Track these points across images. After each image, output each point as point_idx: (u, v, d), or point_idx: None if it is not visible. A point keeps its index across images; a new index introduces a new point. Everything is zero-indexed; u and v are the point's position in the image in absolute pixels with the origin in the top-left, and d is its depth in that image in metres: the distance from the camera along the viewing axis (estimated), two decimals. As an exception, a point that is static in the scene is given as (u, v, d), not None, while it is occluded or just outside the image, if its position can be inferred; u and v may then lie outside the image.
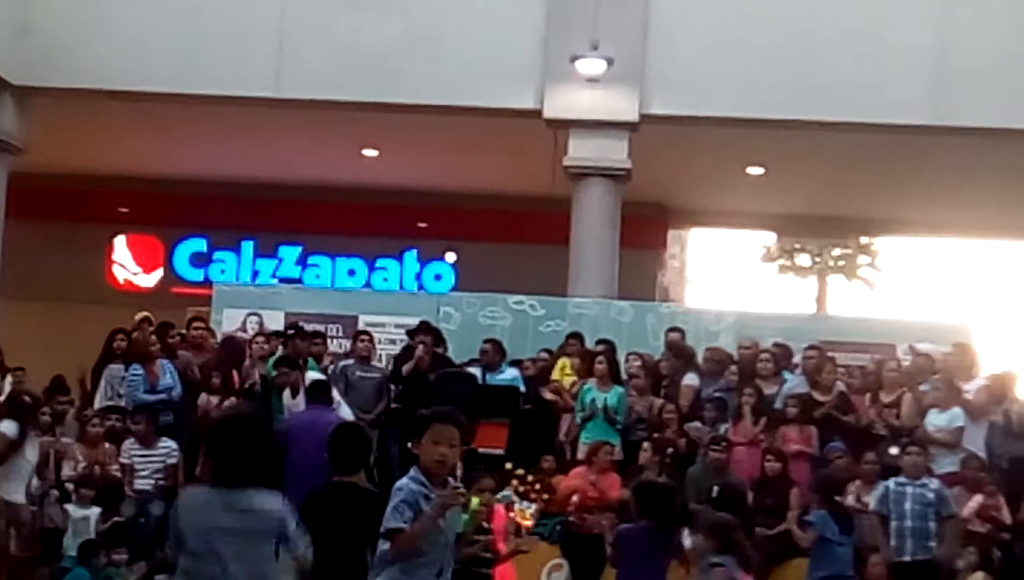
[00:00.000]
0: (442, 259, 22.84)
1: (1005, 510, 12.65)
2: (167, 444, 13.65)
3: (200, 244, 23.09)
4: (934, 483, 12.31)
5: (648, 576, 9.84)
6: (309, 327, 15.39)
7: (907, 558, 12.08)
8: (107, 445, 13.69)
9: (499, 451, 13.56)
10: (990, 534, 12.36)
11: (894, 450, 13.18)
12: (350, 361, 14.83)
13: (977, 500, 12.58)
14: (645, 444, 13.51)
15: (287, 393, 13.43)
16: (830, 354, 14.77)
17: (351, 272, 22.72)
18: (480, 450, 13.41)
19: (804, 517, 12.41)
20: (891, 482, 12.33)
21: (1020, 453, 13.37)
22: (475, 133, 18.12)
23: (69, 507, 13.09)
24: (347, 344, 15.67)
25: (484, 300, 16.88)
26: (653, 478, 12.14)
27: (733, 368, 14.33)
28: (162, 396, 14.09)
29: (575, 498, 12.92)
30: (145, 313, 16.21)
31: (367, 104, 17.31)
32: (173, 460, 13.63)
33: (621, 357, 14.94)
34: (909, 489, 12.21)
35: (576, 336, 15.49)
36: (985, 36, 16.89)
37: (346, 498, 7.74)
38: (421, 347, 14.64)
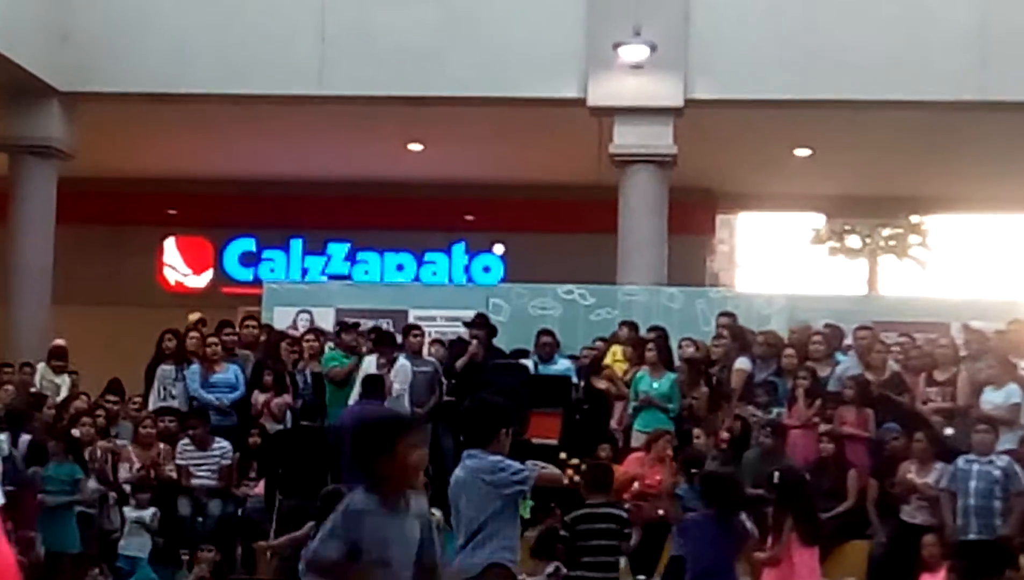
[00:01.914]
0: (490, 251, 22.84)
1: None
2: (221, 445, 13.74)
3: (249, 243, 23.20)
4: (1002, 460, 12.18)
5: (715, 563, 10.03)
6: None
7: (972, 537, 11.99)
8: (162, 446, 13.78)
9: (553, 441, 13.54)
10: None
11: (949, 430, 13.09)
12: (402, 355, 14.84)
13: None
14: (697, 430, 13.45)
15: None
16: (882, 334, 14.68)
17: (400, 267, 22.76)
18: (534, 441, 13.41)
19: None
20: (960, 459, 12.23)
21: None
22: (519, 123, 18.11)
23: (125, 509, 13.17)
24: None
25: (533, 291, 16.86)
26: (716, 468, 12.16)
27: (790, 351, 14.22)
28: (221, 394, 14.23)
29: (636, 486, 12.86)
30: (199, 314, 16.31)
31: (410, 98, 17.34)
32: (228, 461, 13.72)
33: (673, 343, 14.87)
34: (975, 467, 12.12)
35: (628, 323, 15.45)
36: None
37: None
38: (475, 341, 14.64)
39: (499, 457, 7.54)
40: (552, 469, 9.25)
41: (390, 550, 5.97)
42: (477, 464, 7.52)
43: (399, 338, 14.72)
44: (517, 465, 7.58)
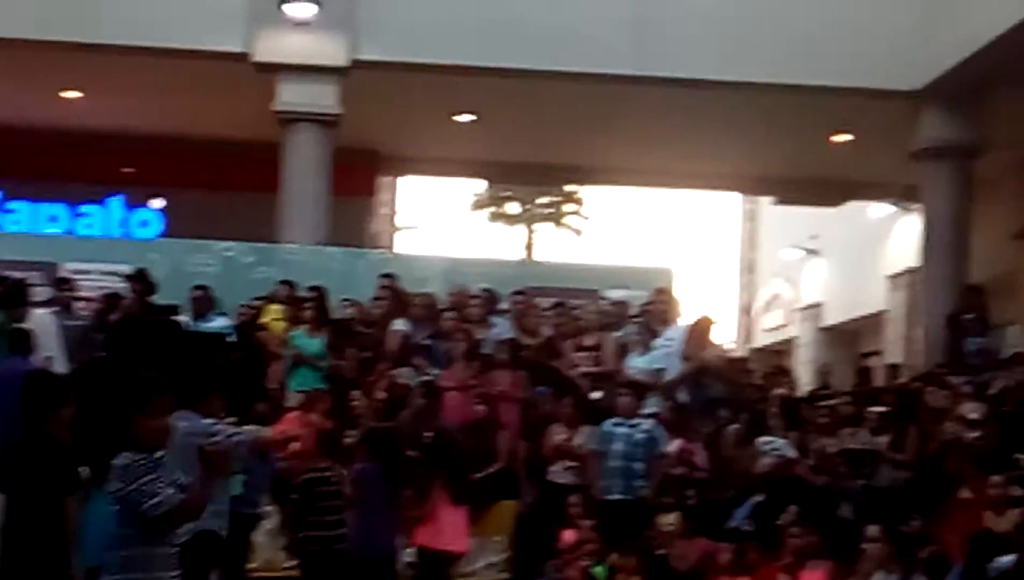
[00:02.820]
0: (149, 206, 22.33)
1: (702, 454, 13.10)
2: None
3: None
4: (647, 423, 12.67)
5: (384, 514, 10.33)
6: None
7: (615, 497, 12.45)
8: None
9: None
10: (686, 476, 12.77)
11: (596, 394, 13.55)
12: (55, 309, 14.38)
13: (677, 443, 12.99)
14: (355, 392, 13.53)
15: None
16: (536, 299, 15.09)
17: (53, 218, 22.00)
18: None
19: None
20: (606, 423, 12.67)
21: (715, 396, 13.89)
22: (183, 76, 17.73)
23: None
24: (49, 292, 15.19)
25: (193, 247, 16.61)
26: (379, 424, 12.31)
27: (448, 314, 14.45)
28: None
29: (296, 445, 12.82)
30: None
31: (65, 44, 16.75)
32: None
33: (332, 303, 14.91)
34: (620, 429, 12.58)
35: (286, 282, 15.41)
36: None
37: (39, 450, 7.49)
38: (131, 295, 14.32)
39: (212, 420, 7.37)
40: (265, 432, 9.15)
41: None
42: (189, 427, 7.30)
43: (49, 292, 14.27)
44: (231, 429, 7.40)
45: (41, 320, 13.32)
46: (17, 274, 14.83)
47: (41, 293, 15.23)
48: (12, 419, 8.26)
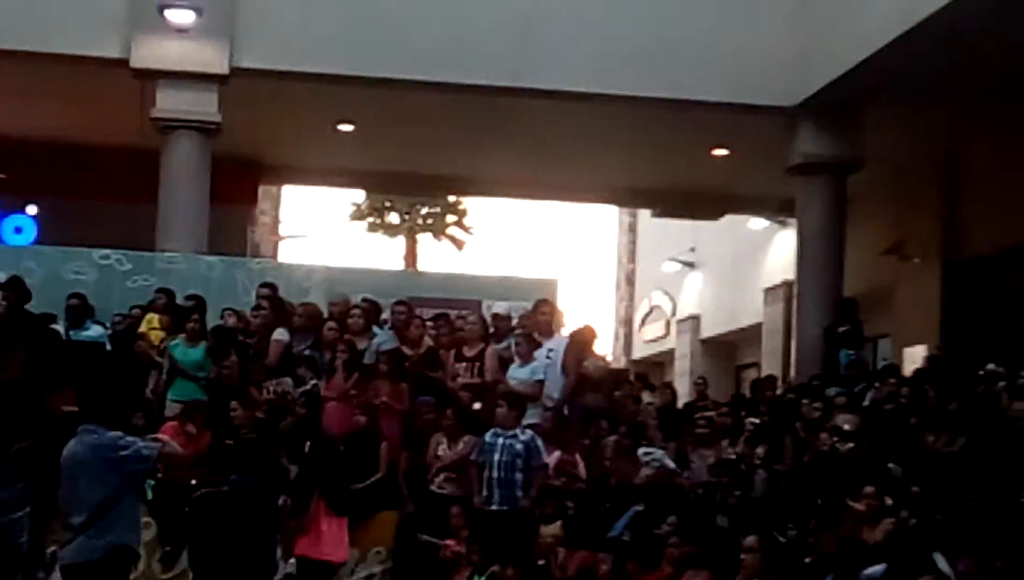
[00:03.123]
0: (23, 212, 21.94)
1: (581, 465, 13.17)
2: None
3: None
4: (525, 434, 12.71)
5: (260, 525, 10.28)
6: None
7: (494, 508, 12.48)
8: None
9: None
10: (566, 487, 12.83)
11: (477, 405, 13.56)
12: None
13: (557, 454, 13.05)
14: (234, 403, 13.40)
15: None
16: (418, 310, 15.07)
17: (-77, 224, 21.57)
18: (64, 409, 13.01)
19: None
20: (488, 434, 12.70)
21: (594, 406, 13.97)
22: (58, 80, 17.48)
23: None
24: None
25: (68, 254, 16.37)
26: (249, 436, 12.22)
27: (330, 324, 14.39)
28: None
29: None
30: None
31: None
32: None
33: (212, 313, 14.78)
34: (500, 440, 12.61)
35: (164, 291, 15.24)
36: (562, 1, 17.53)
37: None
38: (3, 302, 14.05)
39: (120, 433, 7.25)
40: (174, 445, 9.03)
41: None
42: (97, 440, 7.17)
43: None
44: (140, 442, 7.29)
45: None
46: None
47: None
48: None
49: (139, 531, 7.62)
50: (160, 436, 8.33)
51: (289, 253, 33.47)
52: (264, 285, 15.46)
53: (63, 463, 7.26)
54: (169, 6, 16.30)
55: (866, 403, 14.77)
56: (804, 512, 11.77)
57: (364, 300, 15.11)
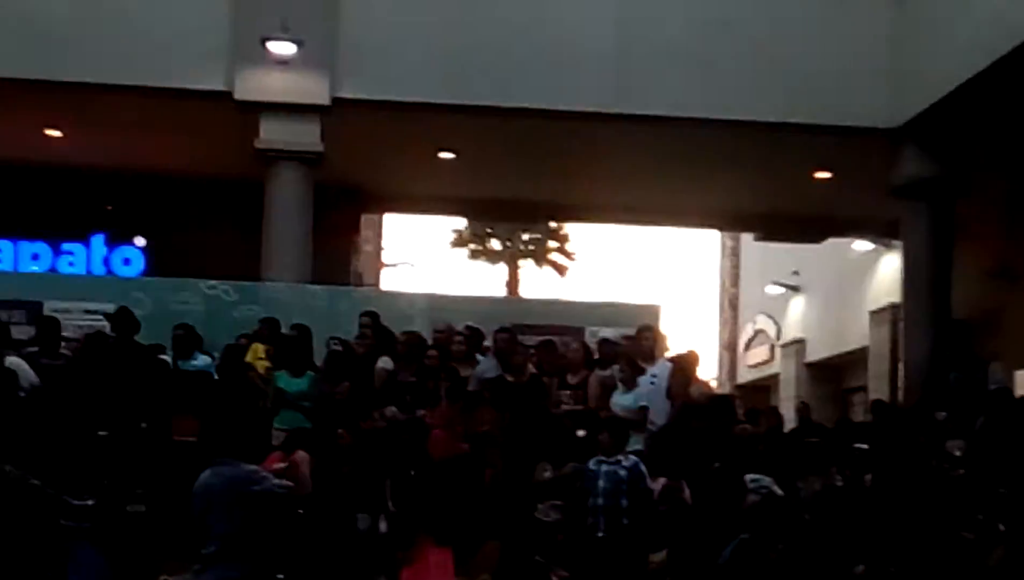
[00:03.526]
0: (132, 243, 22.28)
1: (687, 491, 13.06)
2: None
3: None
4: (629, 460, 12.64)
5: None
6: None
7: (599, 535, 12.42)
8: None
9: (193, 439, 13.33)
10: (672, 513, 12.73)
11: (581, 432, 13.52)
12: (36, 349, 14.33)
13: (661, 481, 12.95)
14: (341, 430, 13.48)
15: None
16: (520, 337, 15.07)
17: (35, 256, 21.93)
18: (176, 439, 13.19)
19: None
20: (591, 461, 12.65)
21: (699, 431, 13.85)
22: (164, 114, 17.76)
23: None
24: (32, 331, 15.14)
25: (176, 285, 16.58)
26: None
27: (432, 352, 14.42)
28: None
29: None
30: None
31: (47, 82, 16.76)
32: None
33: (316, 342, 14.87)
34: (604, 467, 12.55)
35: (269, 321, 15.37)
36: (662, 27, 17.52)
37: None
38: (114, 334, 14.27)
39: (255, 467, 7.29)
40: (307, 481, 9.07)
41: None
42: (232, 473, 7.20)
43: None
44: (273, 478, 7.31)
45: (17, 365, 13.30)
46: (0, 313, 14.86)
47: (24, 332, 15.24)
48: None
49: (268, 565, 7.59)
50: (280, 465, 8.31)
51: (392, 281, 33.71)
52: (365, 314, 15.54)
53: (196, 493, 7.27)
54: (271, 38, 16.49)
55: (977, 427, 14.52)
56: (914, 540, 11.59)
57: (467, 327, 15.14)
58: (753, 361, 33.79)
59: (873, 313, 25.06)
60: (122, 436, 13.33)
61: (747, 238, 30.91)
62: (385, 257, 33.65)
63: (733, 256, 35.61)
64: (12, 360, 13.24)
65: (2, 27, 16.51)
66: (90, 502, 9.18)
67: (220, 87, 16.99)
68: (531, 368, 14.41)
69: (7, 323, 14.57)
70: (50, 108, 18.11)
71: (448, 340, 14.79)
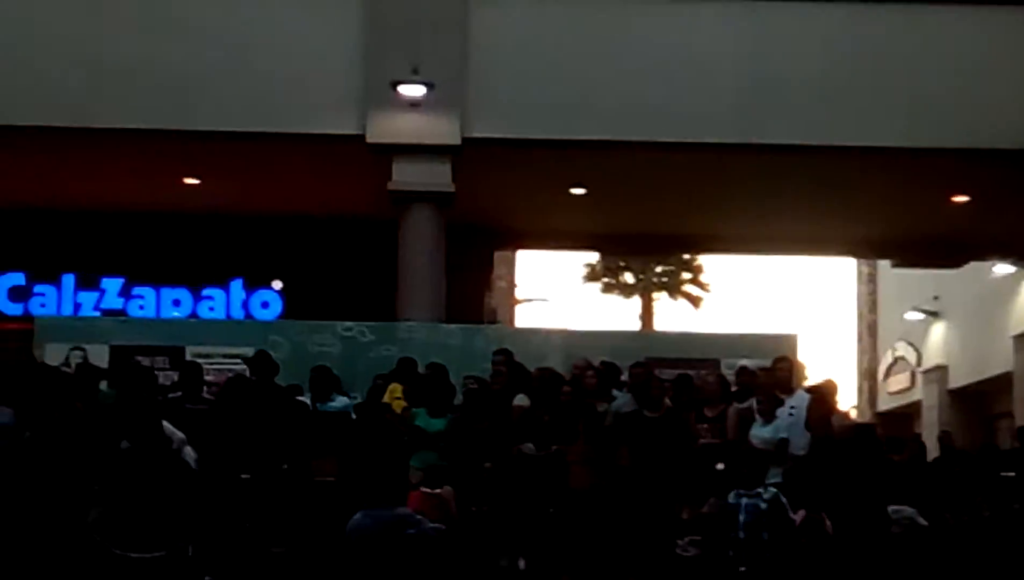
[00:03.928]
0: (269, 287, 22.62)
1: (828, 523, 12.89)
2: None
3: (18, 278, 22.54)
4: (769, 493, 12.52)
5: None
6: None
7: (741, 569, 12.31)
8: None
9: (332, 479, 13.46)
10: (814, 545, 12.57)
11: (719, 465, 13.41)
12: (179, 394, 14.57)
13: (801, 513, 12.80)
14: (485, 465, 13.55)
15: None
16: (656, 371, 14.99)
17: (176, 302, 22.35)
18: (316, 479, 13.34)
19: None
20: (731, 494, 12.56)
21: (841, 463, 13.68)
22: (299, 159, 18.04)
23: None
24: (175, 376, 15.41)
25: (313, 327, 16.77)
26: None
27: (567, 388, 14.41)
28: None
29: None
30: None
31: (185, 132, 17.12)
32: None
33: (452, 380, 14.94)
34: (744, 500, 12.45)
35: (407, 360, 15.47)
36: (791, 56, 17.37)
37: None
38: (253, 378, 14.46)
39: (409, 510, 7.31)
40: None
41: None
42: (386, 516, 7.17)
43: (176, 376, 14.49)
44: (427, 522, 7.31)
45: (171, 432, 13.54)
46: (144, 359, 15.15)
47: (167, 378, 15.53)
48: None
49: None
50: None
51: (526, 317, 33.78)
52: (499, 351, 15.55)
53: (349, 535, 7.23)
54: (402, 82, 16.65)
55: None
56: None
57: (601, 363, 15.11)
58: (894, 388, 33.28)
59: (1017, 337, 24.59)
60: (264, 478, 13.52)
61: (884, 264, 30.51)
62: (519, 293, 33.74)
63: (870, 282, 35.15)
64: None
65: (141, 81, 16.88)
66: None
67: (353, 131, 17.20)
68: (667, 402, 14.33)
69: (152, 369, 14.85)
70: (188, 157, 18.48)
71: (583, 375, 14.77)
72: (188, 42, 17.00)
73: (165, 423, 12.57)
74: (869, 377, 35.34)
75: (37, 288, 22.44)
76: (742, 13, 17.47)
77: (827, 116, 17.19)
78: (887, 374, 33.84)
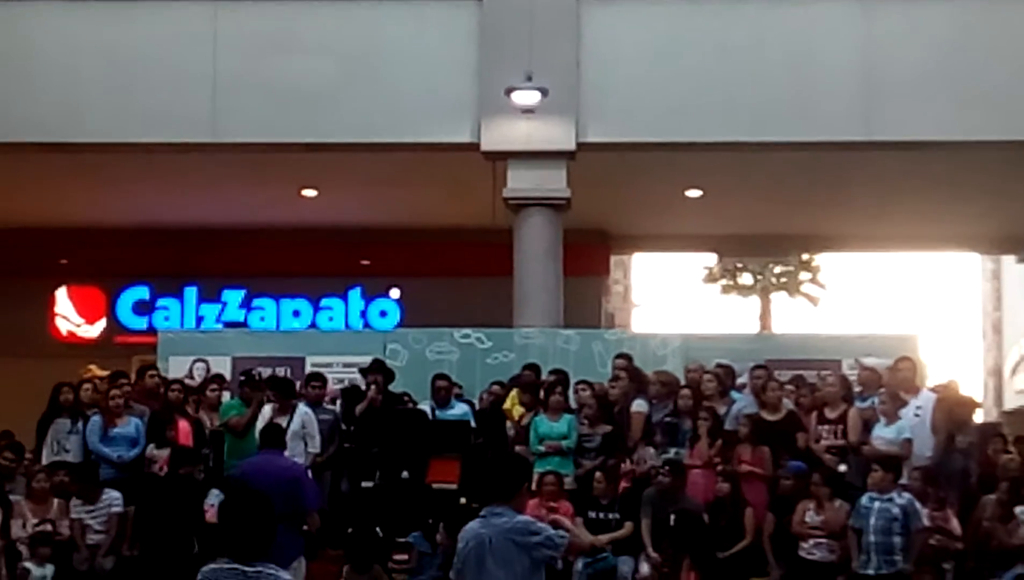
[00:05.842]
0: (387, 296, 22.81)
1: (954, 521, 12.71)
2: (109, 495, 13.49)
3: (143, 292, 22.97)
4: (903, 497, 12.36)
5: None
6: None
7: (871, 572, 12.18)
8: (56, 501, 13.52)
9: (452, 486, 13.54)
10: (941, 545, 12.40)
11: (842, 467, 13.27)
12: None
13: (926, 512, 12.63)
14: (598, 474, 13.54)
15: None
16: (776, 372, 14.88)
17: (296, 313, 22.65)
18: (434, 486, 13.42)
19: None
20: (864, 497, 12.43)
21: (967, 463, 13.47)
22: (413, 168, 18.14)
23: (28, 565, 12.92)
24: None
25: (431, 335, 16.86)
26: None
27: (685, 391, 14.35)
28: (121, 449, 13.95)
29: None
30: (94, 367, 16.08)
31: (303, 144, 17.31)
32: (116, 510, 13.46)
33: (570, 385, 14.94)
34: (876, 504, 12.32)
35: (531, 366, 15.47)
36: (909, 51, 17.12)
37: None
38: (373, 387, 14.59)
39: (529, 518, 7.28)
40: (582, 534, 9.08)
41: None
42: (506, 523, 7.16)
43: (298, 386, 14.64)
44: (549, 529, 7.28)
45: (307, 416, 13.79)
46: (265, 370, 15.34)
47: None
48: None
49: None
50: (560, 520, 8.17)
51: (643, 321, 33.66)
52: (619, 356, 15.53)
53: (466, 543, 7.15)
54: (516, 88, 16.69)
55: None
56: None
57: (718, 365, 15.03)
58: (1021, 386, 32.67)
59: None
60: (385, 486, 13.64)
61: (1009, 260, 29.94)
62: (635, 297, 33.64)
63: (995, 279, 34.55)
64: (301, 408, 13.80)
65: (260, 96, 17.08)
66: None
67: (467, 139, 17.25)
68: (787, 404, 14.21)
69: (291, 379, 15.08)
70: (306, 170, 18.68)
71: (700, 379, 14.70)
72: (304, 57, 17.18)
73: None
74: (995, 375, 34.74)
75: (160, 301, 22.86)
76: (858, 10, 17.26)
77: (947, 111, 16.88)
78: (1013, 372, 33.24)
